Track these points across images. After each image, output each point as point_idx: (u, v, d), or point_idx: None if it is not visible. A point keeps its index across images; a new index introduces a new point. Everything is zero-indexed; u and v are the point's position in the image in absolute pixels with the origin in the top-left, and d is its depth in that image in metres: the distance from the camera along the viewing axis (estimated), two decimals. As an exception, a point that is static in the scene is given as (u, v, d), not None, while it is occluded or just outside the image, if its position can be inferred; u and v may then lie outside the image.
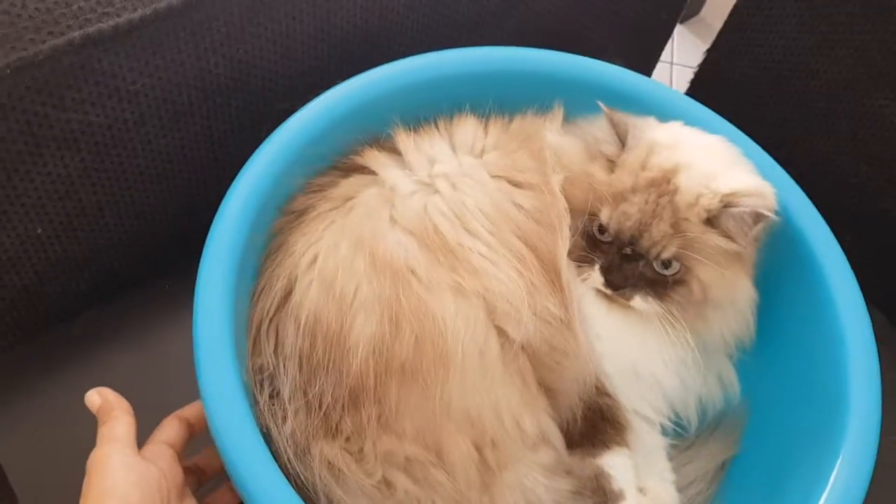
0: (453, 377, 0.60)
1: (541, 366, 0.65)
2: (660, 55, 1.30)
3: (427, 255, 0.64)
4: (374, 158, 0.71)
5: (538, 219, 0.69)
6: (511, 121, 0.76)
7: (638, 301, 0.67)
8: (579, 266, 0.69)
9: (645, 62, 1.28)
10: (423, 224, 0.66)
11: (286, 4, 0.74)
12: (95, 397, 0.61)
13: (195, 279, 0.61)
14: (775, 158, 0.77)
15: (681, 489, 0.71)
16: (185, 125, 0.76)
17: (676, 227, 0.65)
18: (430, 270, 0.64)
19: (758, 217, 0.64)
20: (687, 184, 0.66)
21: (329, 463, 0.60)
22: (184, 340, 0.77)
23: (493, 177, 0.70)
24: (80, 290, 0.82)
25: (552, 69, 0.79)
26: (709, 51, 1.09)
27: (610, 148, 0.69)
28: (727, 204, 0.64)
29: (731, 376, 0.74)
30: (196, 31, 0.70)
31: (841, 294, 0.68)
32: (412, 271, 0.63)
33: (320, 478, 0.59)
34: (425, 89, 0.76)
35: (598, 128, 0.72)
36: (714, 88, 1.09)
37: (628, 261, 0.67)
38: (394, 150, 0.72)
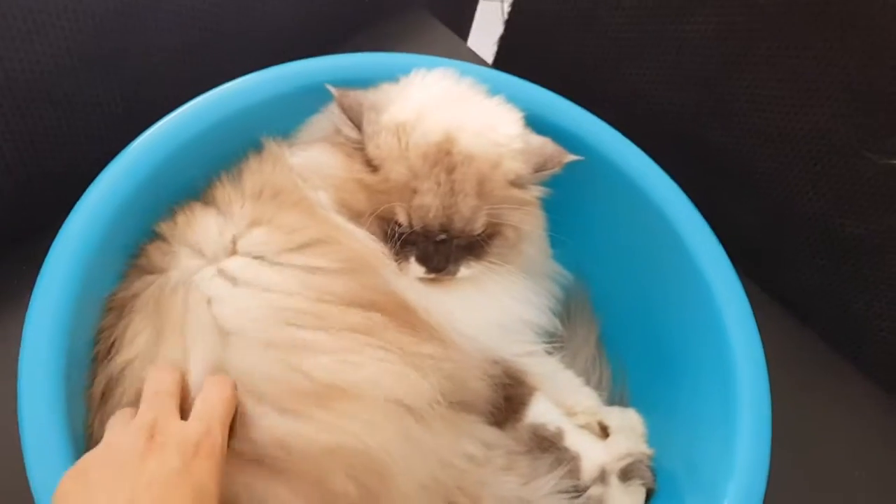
0: (398, 477, 0.55)
1: (451, 393, 0.61)
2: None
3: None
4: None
5: (354, 268, 0.62)
6: (238, 176, 0.67)
7: (463, 271, 0.66)
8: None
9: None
10: (264, 377, 0.56)
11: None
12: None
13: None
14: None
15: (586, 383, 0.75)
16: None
17: (482, 194, 0.63)
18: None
19: (562, 166, 0.67)
20: (475, 148, 0.63)
21: None
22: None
23: (276, 263, 0.61)
24: None
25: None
26: (517, -11, 1.06)
27: (352, 132, 0.65)
28: (538, 168, 0.66)
29: (556, 267, 0.75)
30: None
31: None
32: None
33: None
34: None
35: (334, 116, 0.66)
36: (527, 28, 1.07)
37: (443, 242, 0.64)
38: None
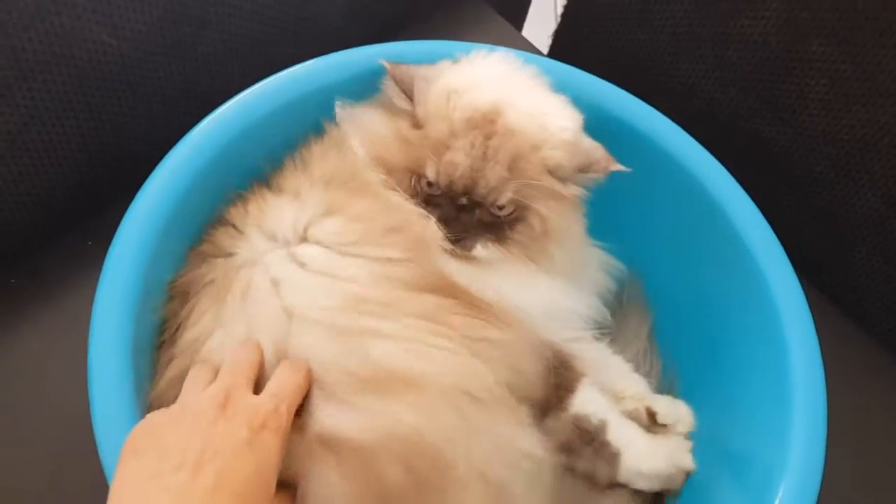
0: (458, 466, 0.55)
1: (509, 381, 0.61)
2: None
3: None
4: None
5: (418, 254, 0.62)
6: (304, 162, 0.67)
7: (479, 250, 0.64)
8: None
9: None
10: (341, 362, 0.57)
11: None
12: None
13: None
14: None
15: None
16: (6, 108, 0.70)
17: (514, 169, 0.63)
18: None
19: (607, 173, 0.66)
20: (520, 125, 0.63)
21: None
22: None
23: (347, 253, 0.61)
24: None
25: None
26: (577, -21, 1.06)
27: (403, 103, 0.65)
28: (582, 168, 0.65)
29: (608, 258, 0.75)
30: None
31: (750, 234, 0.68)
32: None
33: None
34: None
35: (387, 88, 0.67)
36: (583, 21, 1.07)
37: (465, 210, 0.63)
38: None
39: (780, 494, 0.57)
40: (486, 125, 0.62)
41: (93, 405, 0.54)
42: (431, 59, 0.71)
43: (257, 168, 0.68)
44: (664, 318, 0.79)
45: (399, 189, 0.64)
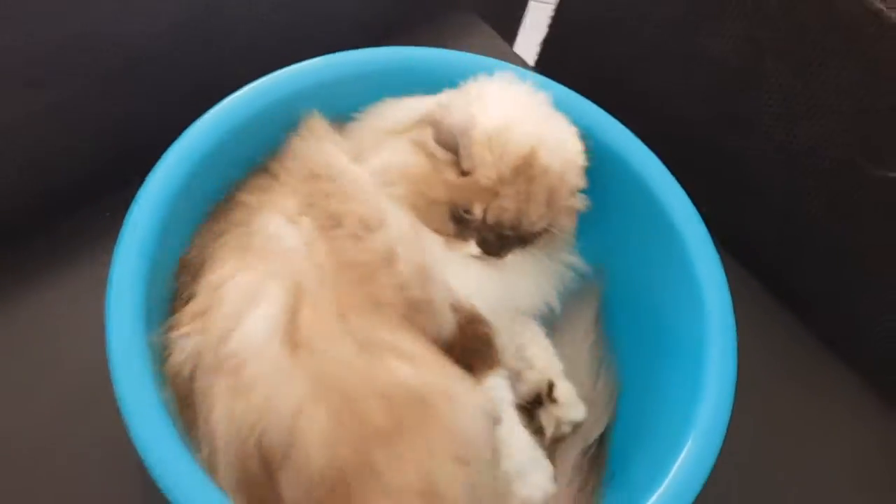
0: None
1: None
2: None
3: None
4: None
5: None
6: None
7: (509, 257, 0.74)
8: (448, 240, 0.73)
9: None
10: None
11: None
12: None
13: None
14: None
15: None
16: (52, 88, 0.80)
17: (550, 203, 0.72)
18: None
19: None
20: (551, 162, 0.71)
21: None
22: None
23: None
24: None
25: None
26: (562, -5, 1.11)
27: (446, 156, 0.71)
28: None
29: (574, 259, 0.81)
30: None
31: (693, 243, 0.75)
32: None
33: None
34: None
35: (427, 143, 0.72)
36: (567, 34, 1.14)
37: (505, 237, 0.73)
38: None
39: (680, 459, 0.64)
40: (527, 169, 0.70)
41: (110, 355, 0.60)
42: (430, 68, 0.80)
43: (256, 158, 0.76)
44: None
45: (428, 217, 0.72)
